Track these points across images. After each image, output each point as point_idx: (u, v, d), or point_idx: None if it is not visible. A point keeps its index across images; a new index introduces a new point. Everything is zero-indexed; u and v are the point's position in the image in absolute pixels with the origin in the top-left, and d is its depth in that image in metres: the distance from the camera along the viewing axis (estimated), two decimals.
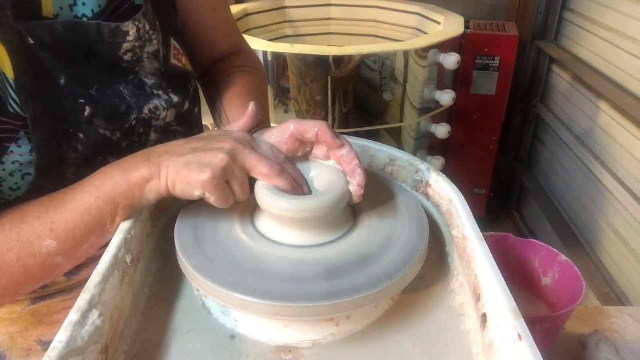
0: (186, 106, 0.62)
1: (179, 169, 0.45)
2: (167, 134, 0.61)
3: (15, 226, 0.47)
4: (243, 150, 0.46)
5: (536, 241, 0.75)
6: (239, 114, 0.60)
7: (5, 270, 0.47)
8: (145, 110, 0.57)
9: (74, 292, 0.63)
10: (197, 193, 0.45)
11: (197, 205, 0.51)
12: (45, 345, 0.66)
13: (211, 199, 0.45)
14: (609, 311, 0.80)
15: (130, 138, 0.57)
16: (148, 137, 0.59)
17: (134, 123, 0.56)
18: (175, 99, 0.60)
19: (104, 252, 0.44)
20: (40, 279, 0.50)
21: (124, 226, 0.47)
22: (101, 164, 0.53)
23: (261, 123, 0.60)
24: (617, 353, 0.66)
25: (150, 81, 0.58)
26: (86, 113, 0.52)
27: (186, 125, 0.64)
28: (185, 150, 0.46)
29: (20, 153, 0.50)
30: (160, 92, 0.59)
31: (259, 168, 0.46)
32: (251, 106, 0.54)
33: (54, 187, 0.51)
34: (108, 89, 0.55)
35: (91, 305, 0.38)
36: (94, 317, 0.38)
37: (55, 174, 0.52)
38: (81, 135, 0.52)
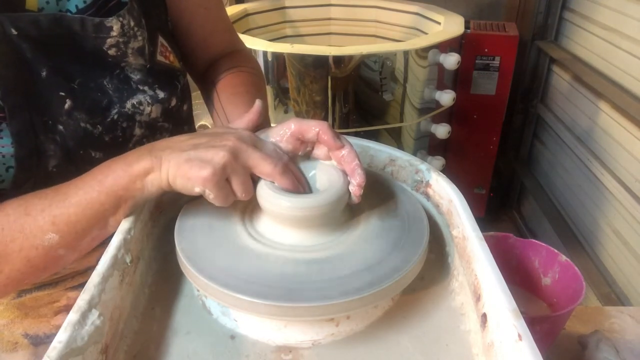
0: (173, 102, 0.63)
1: (180, 164, 0.45)
2: (153, 130, 0.62)
3: (19, 218, 0.47)
4: (246, 148, 0.46)
5: (536, 241, 0.75)
6: (237, 114, 0.60)
7: (8, 260, 0.47)
8: (128, 105, 0.57)
9: (59, 285, 0.64)
10: (197, 189, 0.45)
11: (197, 205, 0.51)
12: (32, 338, 0.66)
13: (210, 195, 0.45)
14: (609, 311, 0.80)
15: (112, 132, 0.57)
16: (132, 132, 0.59)
17: (115, 117, 0.57)
18: (161, 94, 0.60)
19: (98, 247, 0.44)
20: (43, 270, 0.50)
21: (124, 226, 0.47)
22: (84, 158, 0.54)
23: (262, 122, 0.60)
24: (617, 353, 0.66)
25: (136, 76, 0.58)
26: (66, 106, 0.53)
27: (173, 122, 0.64)
28: (188, 146, 0.46)
29: (2, 145, 0.50)
30: (146, 88, 0.59)
31: (261, 166, 0.46)
32: (257, 103, 0.54)
33: (37, 181, 0.51)
34: (91, 82, 0.55)
35: (91, 305, 0.38)
36: (94, 317, 0.38)
37: (36, 166, 0.52)
38: (60, 127, 0.53)
